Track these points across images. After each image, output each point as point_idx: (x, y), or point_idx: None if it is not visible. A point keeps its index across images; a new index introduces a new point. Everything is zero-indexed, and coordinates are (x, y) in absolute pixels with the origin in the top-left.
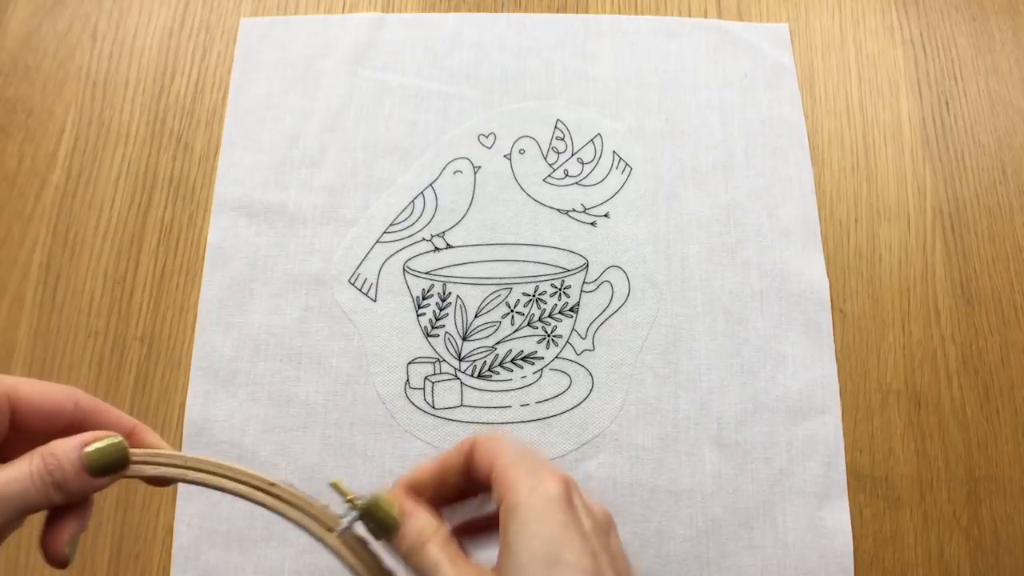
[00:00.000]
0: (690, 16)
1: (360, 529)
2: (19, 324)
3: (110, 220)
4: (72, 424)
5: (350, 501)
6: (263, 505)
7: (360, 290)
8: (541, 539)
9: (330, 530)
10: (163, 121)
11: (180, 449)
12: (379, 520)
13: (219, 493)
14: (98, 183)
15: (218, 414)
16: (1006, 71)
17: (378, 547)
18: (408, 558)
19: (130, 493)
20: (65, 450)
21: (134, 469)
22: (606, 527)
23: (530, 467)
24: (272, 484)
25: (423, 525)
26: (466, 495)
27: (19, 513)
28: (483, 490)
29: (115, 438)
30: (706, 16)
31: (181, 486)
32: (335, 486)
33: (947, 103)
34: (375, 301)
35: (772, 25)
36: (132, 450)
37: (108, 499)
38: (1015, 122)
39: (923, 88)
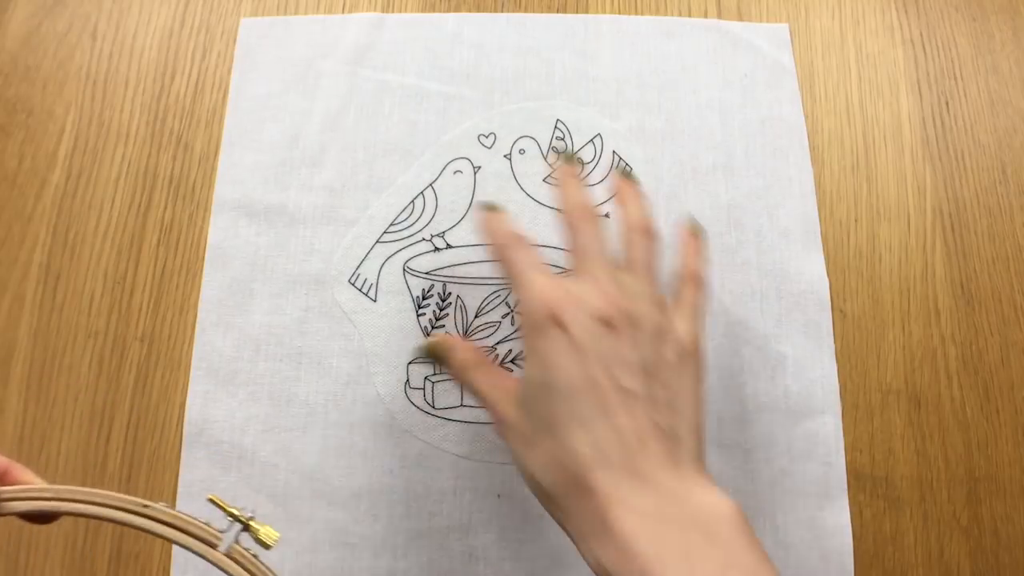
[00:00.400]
0: (690, 15)
1: (246, 542)
2: (19, 324)
3: (110, 220)
4: None
5: (231, 515)
6: (139, 528)
7: (360, 290)
8: (535, 363)
9: (213, 546)
10: (163, 121)
11: (181, 451)
12: (438, 356)
13: (219, 493)
14: (98, 183)
15: (218, 414)
16: (1006, 71)
17: (265, 558)
18: (497, 254)
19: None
20: None
21: (5, 507)
22: (609, 318)
23: (523, 274)
24: (145, 505)
25: (510, 231)
26: None
27: None
28: None
29: None
30: (706, 15)
31: (181, 486)
32: (213, 501)
33: (947, 103)
34: (375, 301)
35: (772, 25)
36: (1, 488)
37: None
38: (1015, 122)
39: (923, 88)
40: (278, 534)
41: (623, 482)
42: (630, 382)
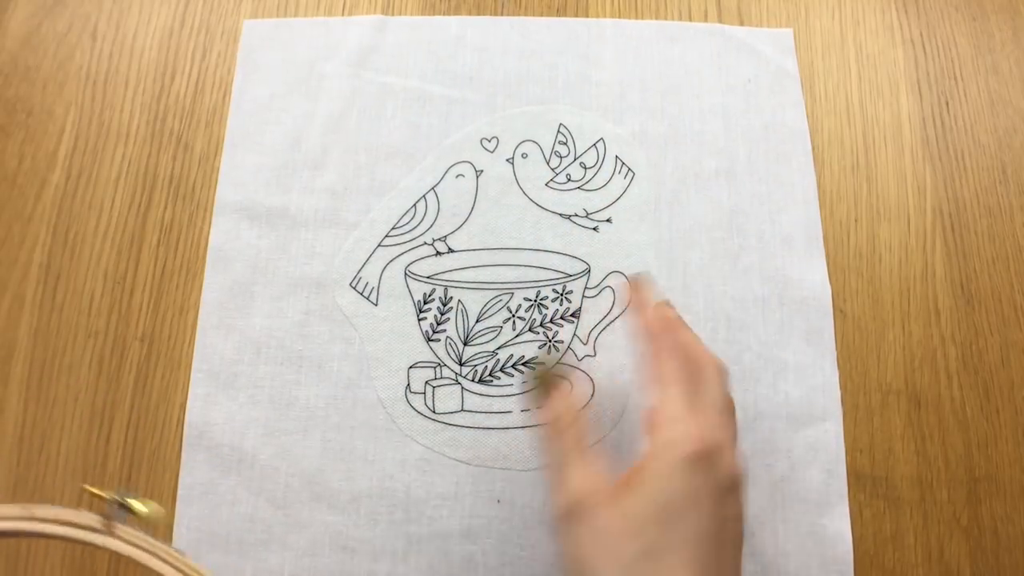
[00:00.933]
0: (690, 17)
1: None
2: (19, 324)
3: (110, 220)
4: None
5: (107, 499)
6: (28, 534)
7: (361, 294)
8: (663, 496)
9: (96, 530)
10: (163, 121)
11: (181, 451)
12: (547, 379)
13: (219, 497)
14: (98, 183)
15: (218, 417)
16: (1006, 71)
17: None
18: (545, 433)
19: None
20: None
21: None
22: (732, 486)
23: (679, 410)
24: (29, 514)
25: (563, 411)
26: None
27: None
28: None
29: None
30: (706, 17)
31: (181, 488)
32: (87, 490)
33: (947, 103)
34: (376, 305)
35: (776, 30)
36: None
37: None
38: (1015, 122)
39: (923, 88)
40: (154, 504)
41: None
42: (735, 559)
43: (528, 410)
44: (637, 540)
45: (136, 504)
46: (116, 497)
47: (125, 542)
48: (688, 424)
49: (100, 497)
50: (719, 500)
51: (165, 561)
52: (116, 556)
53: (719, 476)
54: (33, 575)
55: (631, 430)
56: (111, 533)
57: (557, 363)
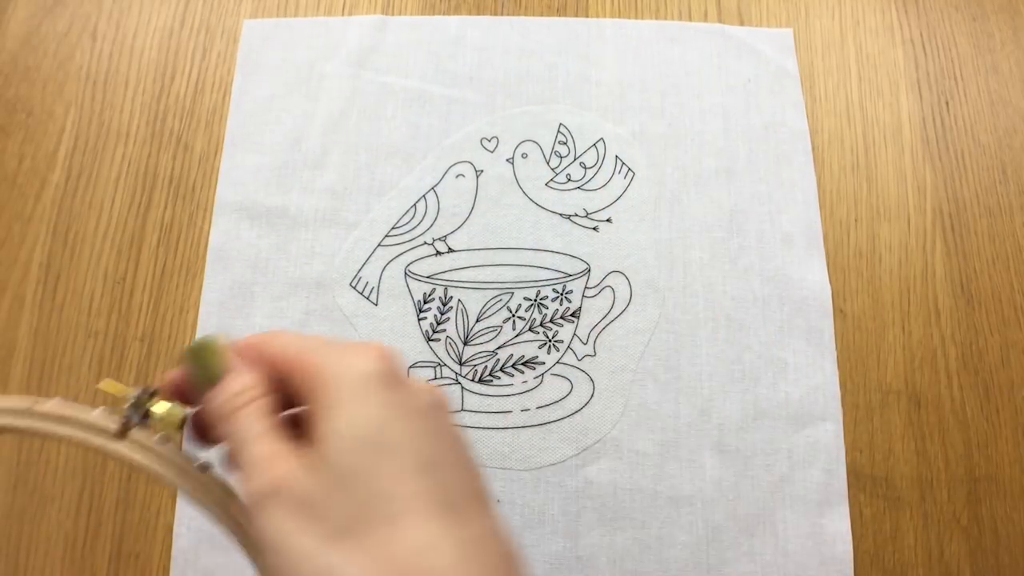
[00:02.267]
0: (690, 17)
1: (152, 436)
2: (19, 324)
3: (110, 220)
4: None
5: (126, 399)
6: (26, 432)
7: (361, 294)
8: (360, 422)
9: (114, 436)
10: (163, 121)
11: (182, 448)
12: (204, 361)
13: None
14: (98, 183)
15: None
16: (1006, 71)
17: (179, 445)
18: (219, 419)
19: (130, 493)
20: None
21: None
22: (439, 405)
23: (338, 347)
24: (29, 408)
25: (244, 385)
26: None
27: None
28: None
29: None
30: (706, 17)
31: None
32: (106, 388)
33: (947, 103)
34: (376, 305)
35: (776, 30)
36: None
37: (108, 499)
38: (1015, 122)
39: (923, 88)
40: (182, 410)
41: None
42: (476, 477)
43: (528, 410)
44: (346, 491)
45: (156, 408)
46: (190, 346)
47: (139, 447)
48: (351, 350)
49: (119, 396)
50: (426, 415)
51: (183, 471)
52: (116, 556)
53: (419, 388)
54: (33, 575)
55: (631, 430)
56: (123, 437)
57: (214, 343)
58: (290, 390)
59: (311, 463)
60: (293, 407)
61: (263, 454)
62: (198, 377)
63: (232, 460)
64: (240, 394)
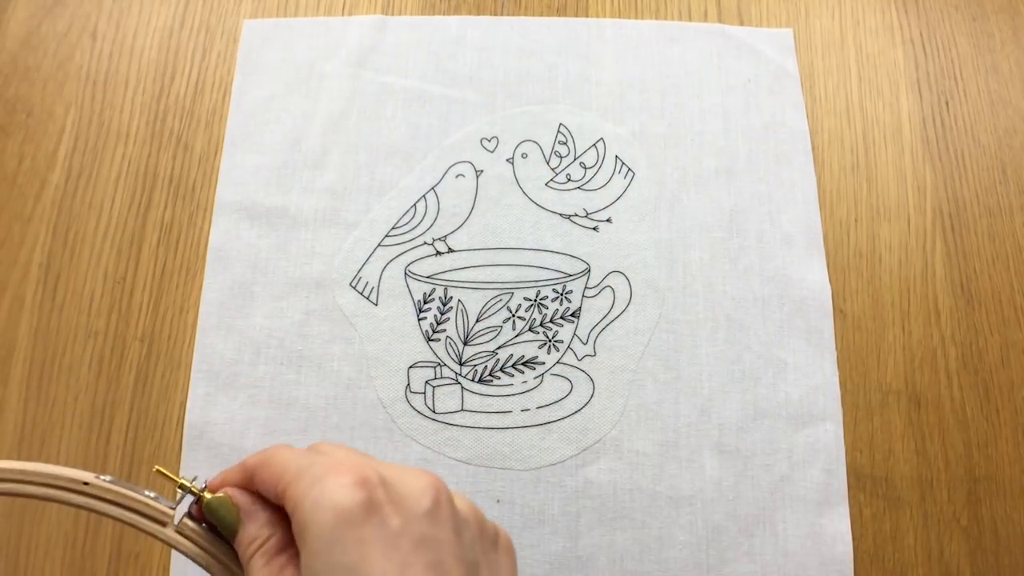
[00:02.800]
0: (690, 17)
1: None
2: (19, 324)
3: (110, 220)
4: None
5: (183, 487)
6: (80, 507)
7: (361, 294)
8: (337, 568)
9: (163, 524)
10: (163, 121)
11: (181, 452)
12: (221, 519)
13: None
14: (98, 183)
15: (218, 417)
16: (1006, 71)
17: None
18: (244, 568)
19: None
20: None
21: None
22: (428, 508)
23: (315, 473)
24: (85, 483)
25: (254, 533)
26: None
27: None
28: None
29: None
30: (706, 17)
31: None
32: (160, 472)
33: (947, 103)
34: (376, 305)
35: (776, 30)
36: None
37: None
38: (1015, 122)
39: (923, 88)
40: (233, 505)
41: None
42: (473, 570)
43: (528, 410)
44: None
45: (209, 498)
46: (193, 488)
47: (188, 537)
48: (327, 478)
49: (175, 482)
50: (401, 539)
51: (227, 567)
52: (116, 556)
53: (399, 501)
54: (33, 575)
55: (631, 430)
56: (178, 530)
57: (222, 503)
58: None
59: None
60: None
61: None
62: (221, 530)
63: None
64: (250, 544)
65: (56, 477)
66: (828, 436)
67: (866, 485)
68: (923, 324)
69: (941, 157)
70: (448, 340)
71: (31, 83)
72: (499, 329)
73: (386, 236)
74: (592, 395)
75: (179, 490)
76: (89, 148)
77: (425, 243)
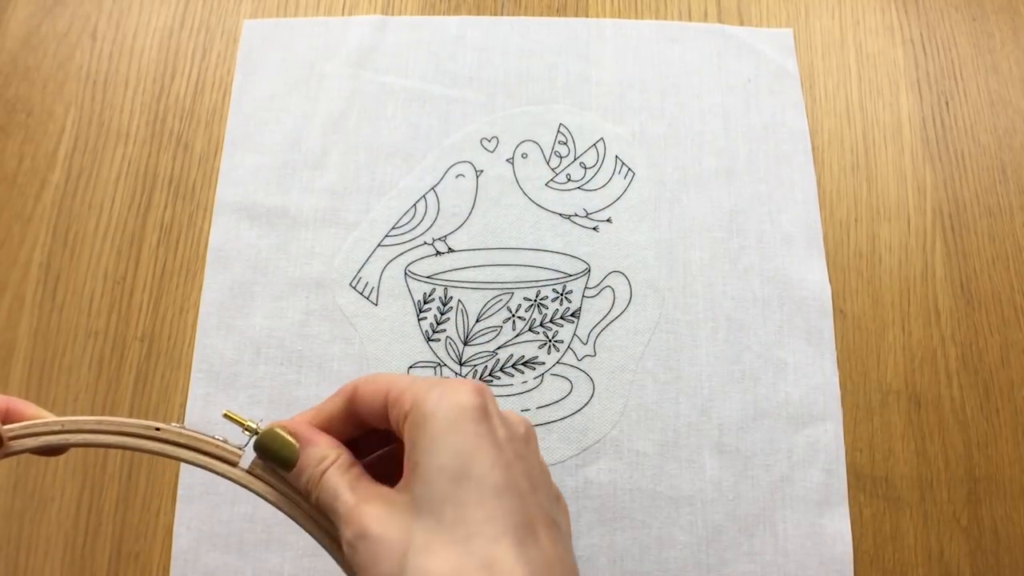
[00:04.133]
0: (690, 17)
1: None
2: (19, 324)
3: (110, 220)
4: None
5: (249, 429)
6: (153, 452)
7: (361, 294)
8: (451, 452)
9: (232, 464)
10: (163, 121)
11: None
12: (275, 452)
13: (219, 496)
14: (98, 183)
15: (218, 417)
16: (1006, 71)
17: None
18: (308, 492)
19: (130, 493)
20: None
21: (13, 445)
22: (524, 437)
23: (433, 381)
24: (157, 428)
25: (322, 453)
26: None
27: None
28: (376, 441)
29: None
30: (706, 17)
31: (181, 488)
32: (229, 416)
33: (947, 103)
34: (376, 305)
35: (776, 30)
36: (7, 426)
37: (108, 499)
38: (1015, 122)
39: (923, 88)
40: (297, 446)
41: None
42: (546, 502)
43: (528, 410)
44: (424, 519)
45: (282, 442)
46: (255, 440)
47: (255, 476)
48: (447, 384)
49: (244, 426)
50: (507, 446)
51: (293, 502)
52: (116, 556)
53: (510, 420)
54: (33, 575)
55: (631, 430)
56: (249, 470)
57: (276, 434)
58: (384, 427)
59: (391, 499)
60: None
61: (349, 506)
62: (276, 465)
63: (332, 515)
64: (319, 463)
65: (129, 425)
66: (828, 436)
67: (866, 485)
68: (923, 324)
69: (941, 157)
70: (448, 340)
71: (31, 83)
72: (499, 329)
73: (386, 236)
74: (592, 395)
75: (246, 432)
76: (89, 148)
77: (425, 243)
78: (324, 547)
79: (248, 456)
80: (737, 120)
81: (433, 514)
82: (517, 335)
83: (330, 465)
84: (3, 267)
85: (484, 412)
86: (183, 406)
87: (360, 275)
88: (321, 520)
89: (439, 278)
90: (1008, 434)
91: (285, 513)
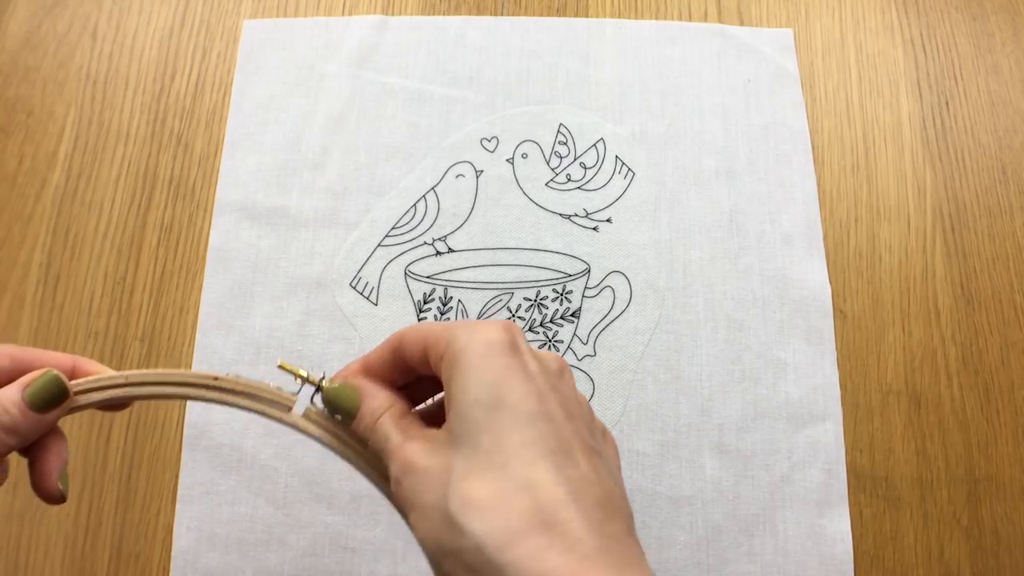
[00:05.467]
0: (690, 17)
1: (319, 402)
2: (19, 324)
3: (110, 220)
4: (13, 377)
5: (302, 378)
6: (213, 401)
7: (361, 294)
8: (483, 384)
9: (288, 410)
10: (163, 121)
11: (180, 453)
12: (341, 405)
13: (219, 496)
14: (98, 183)
15: (218, 417)
16: (1006, 71)
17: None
18: (366, 439)
19: (130, 493)
20: (7, 395)
21: (80, 400)
22: (558, 371)
23: (465, 323)
24: (216, 378)
25: (379, 403)
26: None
27: None
28: (431, 388)
29: (49, 372)
30: (706, 17)
31: (181, 488)
32: (283, 367)
33: (947, 103)
34: (376, 305)
35: (776, 30)
36: (73, 381)
37: (108, 499)
38: (1015, 122)
39: (923, 88)
40: (352, 390)
41: (596, 540)
42: (584, 431)
43: None
44: (463, 448)
45: (328, 385)
46: (312, 379)
47: (311, 421)
48: (478, 324)
49: (296, 375)
50: (539, 376)
51: (347, 444)
52: (116, 556)
53: (541, 355)
54: (33, 575)
55: (631, 430)
56: (305, 415)
57: (345, 387)
58: (428, 372)
59: (434, 436)
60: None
61: (396, 444)
62: (340, 416)
63: (383, 456)
64: (374, 411)
65: (190, 376)
66: (828, 436)
67: (866, 485)
68: (923, 324)
69: (941, 157)
70: None
71: (31, 83)
72: None
73: (386, 236)
74: (592, 395)
75: (298, 381)
76: (89, 148)
77: (425, 243)
78: (374, 484)
79: (301, 403)
80: (737, 120)
81: (471, 444)
82: None
83: (382, 413)
84: (3, 267)
85: (514, 346)
86: (183, 406)
87: (360, 275)
88: (372, 461)
89: (439, 278)
90: (1008, 434)
91: (338, 455)
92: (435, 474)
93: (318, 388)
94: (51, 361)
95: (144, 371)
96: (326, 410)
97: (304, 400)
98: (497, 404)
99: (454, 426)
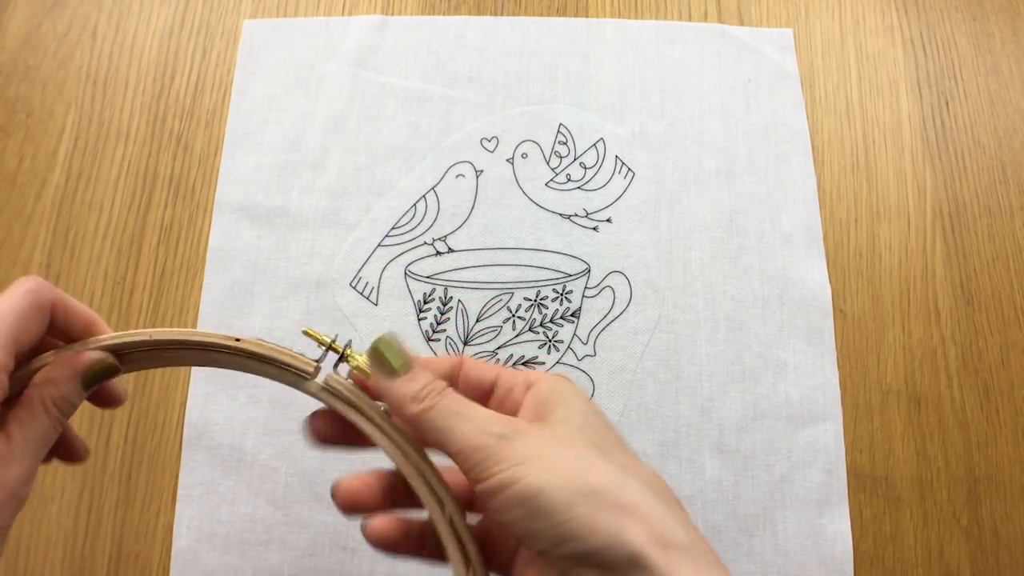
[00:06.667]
0: (690, 17)
1: (342, 372)
2: None
3: (110, 220)
4: (36, 310)
5: (326, 345)
6: (232, 366)
7: (361, 294)
8: (577, 412)
9: (307, 378)
10: (163, 121)
11: (180, 453)
12: (391, 353)
13: (219, 496)
14: (98, 183)
15: (218, 417)
16: (1006, 71)
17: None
18: (414, 401)
19: (130, 493)
20: (64, 380)
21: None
22: (592, 401)
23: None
24: (237, 340)
25: (431, 380)
26: None
27: (46, 452)
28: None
29: (106, 360)
30: (706, 17)
31: (181, 488)
32: (308, 333)
33: (947, 103)
34: (376, 305)
35: (776, 30)
36: (94, 338)
37: (108, 499)
38: (1015, 122)
39: (923, 88)
40: (410, 361)
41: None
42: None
43: None
44: (562, 447)
45: (362, 361)
46: (336, 347)
47: (329, 389)
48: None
49: (320, 341)
50: (594, 406)
51: (367, 415)
52: (116, 556)
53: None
54: (33, 575)
55: (631, 430)
56: (325, 384)
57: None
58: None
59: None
60: None
61: (482, 410)
62: (382, 366)
63: (437, 439)
64: (431, 383)
65: (213, 336)
66: (828, 436)
67: (866, 485)
68: (923, 324)
69: (941, 157)
70: (448, 340)
71: (31, 83)
72: (499, 329)
73: (386, 236)
74: (592, 395)
75: (320, 348)
76: (89, 148)
77: (425, 243)
78: (390, 457)
79: (324, 371)
80: (737, 120)
81: (597, 449)
82: (517, 335)
83: (445, 387)
84: (3, 267)
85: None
86: (183, 406)
87: (360, 275)
88: (394, 435)
89: (439, 278)
90: (1008, 434)
91: (358, 426)
92: (562, 450)
93: (342, 356)
94: (74, 311)
95: (165, 329)
96: (349, 379)
97: (327, 368)
98: (583, 425)
99: (555, 436)
